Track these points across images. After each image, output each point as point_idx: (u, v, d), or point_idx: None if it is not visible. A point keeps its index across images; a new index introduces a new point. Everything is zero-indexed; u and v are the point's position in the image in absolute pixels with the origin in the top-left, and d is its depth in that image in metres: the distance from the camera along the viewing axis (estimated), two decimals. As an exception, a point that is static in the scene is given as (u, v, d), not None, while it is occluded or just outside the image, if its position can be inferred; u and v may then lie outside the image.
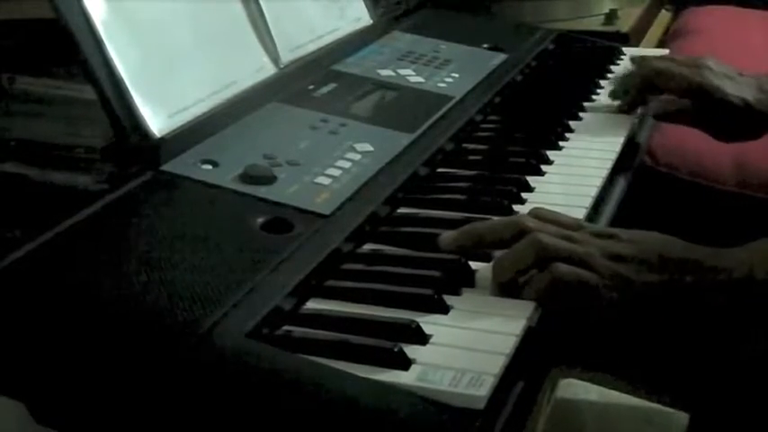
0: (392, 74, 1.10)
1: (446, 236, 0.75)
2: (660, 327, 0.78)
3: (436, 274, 0.72)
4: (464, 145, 1.00)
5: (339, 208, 0.79)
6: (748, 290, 0.72)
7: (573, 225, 0.76)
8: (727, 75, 1.06)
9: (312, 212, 0.78)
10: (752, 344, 0.84)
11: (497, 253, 0.74)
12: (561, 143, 1.00)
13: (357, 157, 0.88)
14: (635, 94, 1.09)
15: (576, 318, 0.74)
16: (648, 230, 0.76)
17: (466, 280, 0.72)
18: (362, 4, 1.21)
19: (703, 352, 0.95)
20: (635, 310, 0.72)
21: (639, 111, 1.10)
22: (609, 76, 1.23)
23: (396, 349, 0.62)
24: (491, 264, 0.73)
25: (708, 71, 1.06)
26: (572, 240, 0.73)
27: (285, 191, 0.80)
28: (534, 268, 0.72)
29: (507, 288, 0.71)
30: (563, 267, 0.71)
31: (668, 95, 1.09)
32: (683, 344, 0.96)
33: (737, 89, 1.05)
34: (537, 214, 0.77)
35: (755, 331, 0.78)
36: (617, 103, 1.10)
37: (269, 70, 1.00)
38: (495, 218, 0.78)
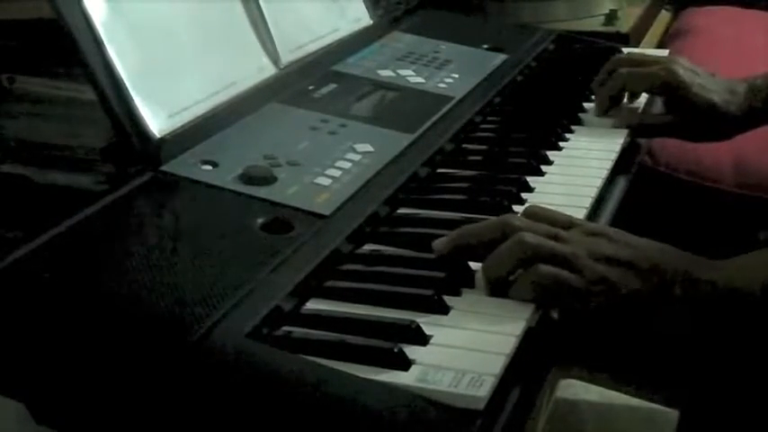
0: (392, 74, 1.10)
1: (439, 241, 0.75)
2: (647, 330, 0.77)
3: (436, 274, 0.72)
4: (464, 145, 1.00)
5: (339, 208, 0.79)
6: (732, 301, 0.71)
7: (564, 223, 0.75)
8: (696, 73, 1.06)
9: (312, 213, 0.78)
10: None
11: None
12: (561, 143, 1.00)
13: (357, 157, 0.88)
14: (606, 102, 1.08)
15: (570, 316, 0.73)
16: (648, 231, 0.76)
17: (466, 280, 0.72)
18: (362, 5, 1.21)
19: (693, 353, 0.95)
20: (619, 316, 0.72)
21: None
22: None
23: (396, 349, 0.62)
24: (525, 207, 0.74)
25: (677, 67, 1.05)
26: (560, 239, 0.72)
27: (285, 191, 0.80)
28: (521, 268, 0.71)
29: (497, 288, 0.71)
30: (544, 268, 0.70)
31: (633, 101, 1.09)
32: (672, 345, 0.96)
33: (704, 88, 1.05)
34: (529, 212, 0.77)
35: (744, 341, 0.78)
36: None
37: (269, 71, 1.00)
38: (488, 218, 0.78)
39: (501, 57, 1.22)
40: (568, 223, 0.75)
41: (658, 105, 1.12)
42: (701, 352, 0.93)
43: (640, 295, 0.71)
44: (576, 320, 0.74)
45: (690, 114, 1.06)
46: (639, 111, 1.11)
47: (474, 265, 0.74)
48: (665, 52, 1.35)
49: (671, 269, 0.72)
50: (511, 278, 0.71)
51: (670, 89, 1.05)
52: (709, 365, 0.94)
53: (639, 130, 1.07)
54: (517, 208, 0.84)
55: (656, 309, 0.71)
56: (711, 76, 1.07)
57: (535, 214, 0.76)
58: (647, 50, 1.49)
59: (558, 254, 0.71)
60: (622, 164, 0.99)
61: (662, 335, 0.83)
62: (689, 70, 1.06)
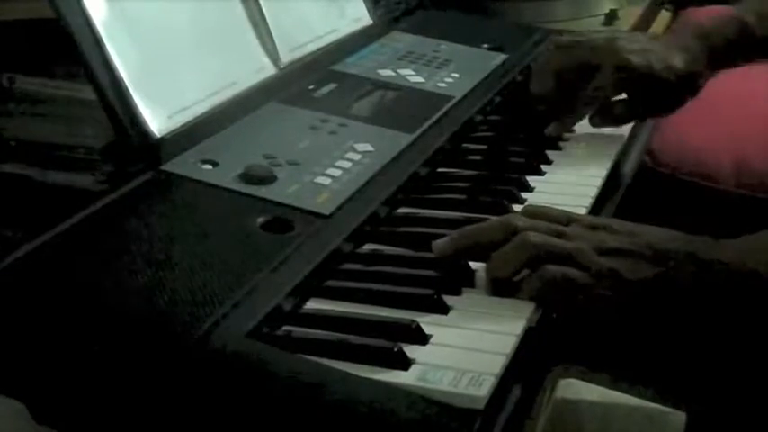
0: (392, 74, 1.10)
1: (439, 242, 0.74)
2: (657, 323, 0.77)
3: (436, 274, 0.72)
4: (464, 145, 1.00)
5: (339, 208, 0.79)
6: (746, 283, 0.72)
7: (564, 219, 0.75)
8: (645, 48, 0.99)
9: (312, 212, 0.78)
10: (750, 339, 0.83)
11: None
12: (561, 143, 1.00)
13: (357, 157, 0.88)
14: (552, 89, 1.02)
15: (575, 317, 0.73)
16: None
17: (466, 280, 0.72)
18: (362, 4, 1.21)
19: (702, 348, 0.95)
20: (631, 307, 0.72)
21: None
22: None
23: (396, 349, 0.62)
24: (523, 207, 0.74)
25: (624, 52, 0.98)
26: (563, 236, 0.72)
27: (285, 191, 0.80)
28: (526, 268, 0.71)
29: (500, 288, 0.71)
30: (552, 268, 0.70)
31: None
32: (681, 340, 0.96)
33: (661, 60, 0.98)
34: (528, 211, 0.77)
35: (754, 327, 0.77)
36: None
37: (269, 70, 1.00)
38: (489, 219, 0.78)
39: (501, 57, 1.22)
40: (567, 219, 0.75)
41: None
42: (706, 351, 0.93)
43: (649, 283, 0.71)
44: (587, 322, 0.74)
45: (649, 90, 0.99)
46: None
47: (474, 264, 0.74)
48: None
49: (676, 252, 0.72)
50: (515, 279, 0.71)
51: (627, 73, 0.98)
52: (715, 365, 0.94)
53: (597, 121, 1.02)
54: (517, 208, 0.84)
55: (666, 295, 0.71)
56: (654, 42, 1.01)
57: (534, 213, 0.76)
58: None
59: (563, 252, 0.71)
60: (622, 164, 0.99)
61: (670, 328, 0.82)
62: (638, 50, 0.98)
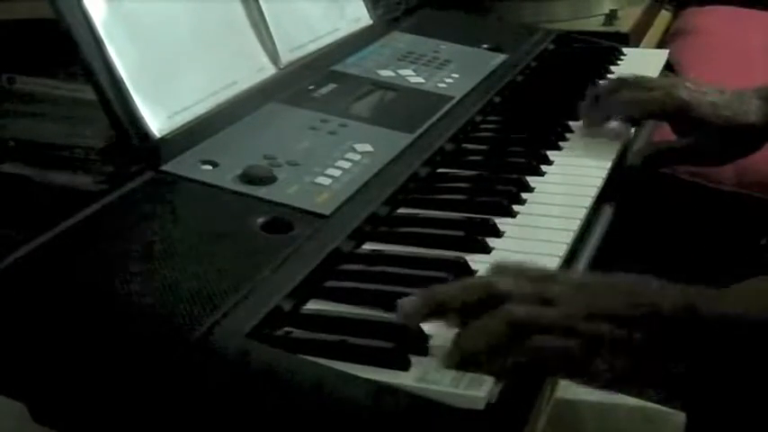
0: (392, 74, 1.10)
1: (406, 302, 0.65)
2: (657, 381, 0.71)
3: (436, 274, 0.72)
4: (464, 145, 1.00)
5: (339, 208, 0.79)
6: (747, 333, 0.65)
7: (541, 278, 0.66)
8: (703, 92, 1.00)
9: (312, 212, 0.78)
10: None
11: (500, 249, 0.72)
12: (561, 143, 1.00)
13: (357, 157, 0.88)
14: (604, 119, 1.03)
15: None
16: (649, 231, 0.74)
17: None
18: (362, 5, 1.21)
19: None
20: (628, 370, 0.64)
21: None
22: (609, 76, 1.23)
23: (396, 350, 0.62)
24: (492, 264, 0.68)
25: (684, 90, 0.99)
26: (549, 303, 0.64)
27: (285, 191, 0.80)
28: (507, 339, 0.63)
29: (467, 362, 0.62)
30: (540, 340, 0.62)
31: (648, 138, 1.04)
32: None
33: (716, 105, 0.99)
34: (504, 269, 0.67)
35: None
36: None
37: (269, 70, 1.00)
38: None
39: (501, 57, 1.22)
40: (544, 277, 0.67)
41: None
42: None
43: (646, 345, 0.64)
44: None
45: (706, 135, 1.00)
46: (643, 144, 1.05)
47: (474, 265, 0.74)
48: (664, 52, 1.35)
49: (671, 306, 0.65)
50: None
51: (674, 113, 1.00)
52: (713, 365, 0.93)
53: (652, 162, 1.02)
54: (517, 208, 0.84)
55: (666, 356, 0.65)
56: (720, 92, 1.01)
57: (511, 272, 0.67)
58: (647, 50, 1.49)
59: (554, 324, 0.63)
60: (622, 164, 0.99)
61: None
62: (694, 91, 0.99)
